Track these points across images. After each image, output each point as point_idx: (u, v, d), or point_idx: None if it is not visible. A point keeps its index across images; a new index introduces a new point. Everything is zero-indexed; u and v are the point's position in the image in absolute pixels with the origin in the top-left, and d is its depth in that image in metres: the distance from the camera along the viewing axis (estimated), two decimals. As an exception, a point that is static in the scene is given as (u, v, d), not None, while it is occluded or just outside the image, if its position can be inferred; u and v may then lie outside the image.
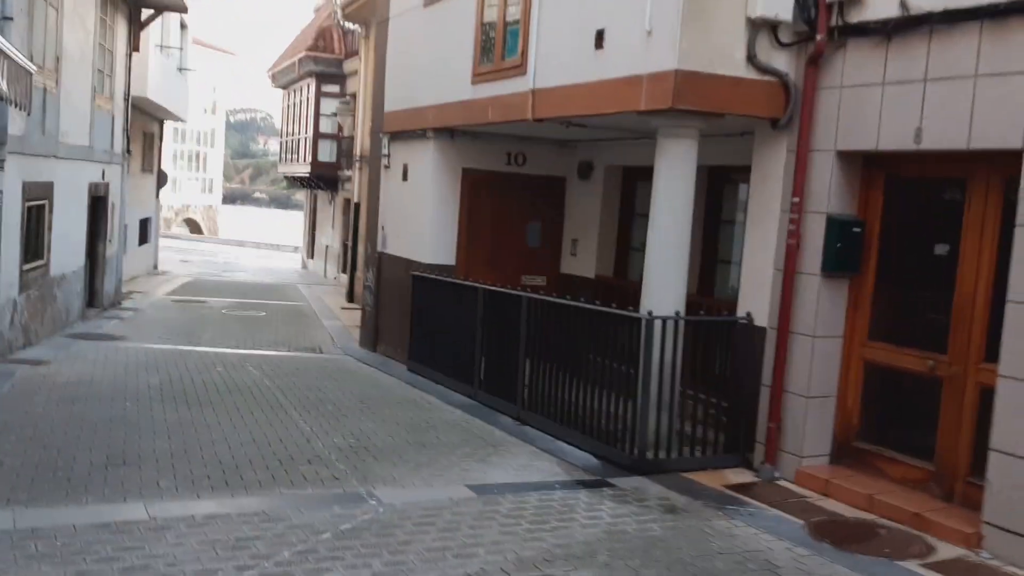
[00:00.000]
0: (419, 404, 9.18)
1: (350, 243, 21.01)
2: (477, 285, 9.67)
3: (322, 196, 30.84)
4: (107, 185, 14.70)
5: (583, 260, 11.27)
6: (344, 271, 27.16)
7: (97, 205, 14.43)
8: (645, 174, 10.65)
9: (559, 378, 8.08)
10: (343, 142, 27.96)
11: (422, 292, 10.99)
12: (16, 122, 9.66)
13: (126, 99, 15.86)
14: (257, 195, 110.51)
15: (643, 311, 7.09)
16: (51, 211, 11.44)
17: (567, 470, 6.89)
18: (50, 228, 11.44)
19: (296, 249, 41.70)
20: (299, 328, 15.28)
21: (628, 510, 5.85)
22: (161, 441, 6.79)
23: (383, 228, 12.88)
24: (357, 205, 20.53)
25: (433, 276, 10.78)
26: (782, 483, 6.69)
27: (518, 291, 8.87)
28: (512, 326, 8.85)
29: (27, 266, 10.54)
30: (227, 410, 8.04)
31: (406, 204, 12.10)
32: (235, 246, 42.24)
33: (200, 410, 7.96)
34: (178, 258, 30.84)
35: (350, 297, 20.53)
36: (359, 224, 20.43)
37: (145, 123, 22.44)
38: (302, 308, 18.65)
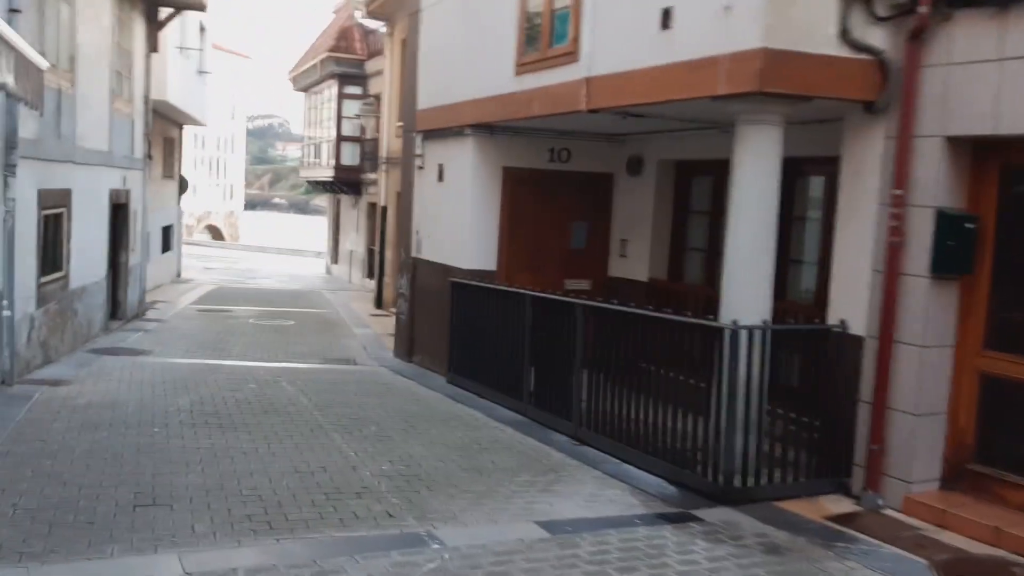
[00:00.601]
0: (465, 421, 8.50)
1: (377, 248, 20.37)
2: (524, 292, 8.98)
3: (346, 200, 30.26)
4: (128, 192, 14.13)
5: (633, 262, 10.54)
6: (370, 276, 26.59)
7: (118, 213, 13.85)
8: (701, 168, 9.94)
9: (621, 393, 7.37)
10: (366, 144, 27.37)
11: (462, 300, 10.31)
12: (28, 124, 9.06)
13: (146, 102, 15.28)
14: (276, 200, 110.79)
15: (724, 319, 6.36)
16: (69, 220, 10.85)
17: (643, 501, 6.17)
18: (69, 238, 10.85)
19: (319, 254, 41.26)
20: (330, 338, 14.64)
21: (725, 551, 5.13)
22: (194, 474, 6.13)
23: (417, 232, 12.21)
24: (384, 209, 19.90)
25: (474, 283, 10.10)
26: (888, 512, 5.94)
27: (571, 298, 8.16)
28: (565, 336, 8.15)
29: (44, 279, 9.94)
30: (264, 434, 7.38)
31: (442, 206, 11.43)
32: (257, 252, 41.79)
33: (235, 434, 7.30)
34: (201, 265, 30.39)
35: (378, 303, 19.91)
36: (386, 228, 19.80)
37: (165, 128, 21.91)
38: (330, 316, 18.03)
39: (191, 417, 7.84)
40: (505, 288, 9.39)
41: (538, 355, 8.65)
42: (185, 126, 25.38)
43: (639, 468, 6.96)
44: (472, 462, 6.96)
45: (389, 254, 19.59)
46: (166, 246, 23.02)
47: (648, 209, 10.32)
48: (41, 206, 9.64)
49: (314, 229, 66.86)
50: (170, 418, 7.75)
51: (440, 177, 11.46)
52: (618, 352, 7.48)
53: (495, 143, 10.52)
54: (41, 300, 9.75)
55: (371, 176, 26.45)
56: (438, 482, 6.34)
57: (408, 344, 12.36)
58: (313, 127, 31.84)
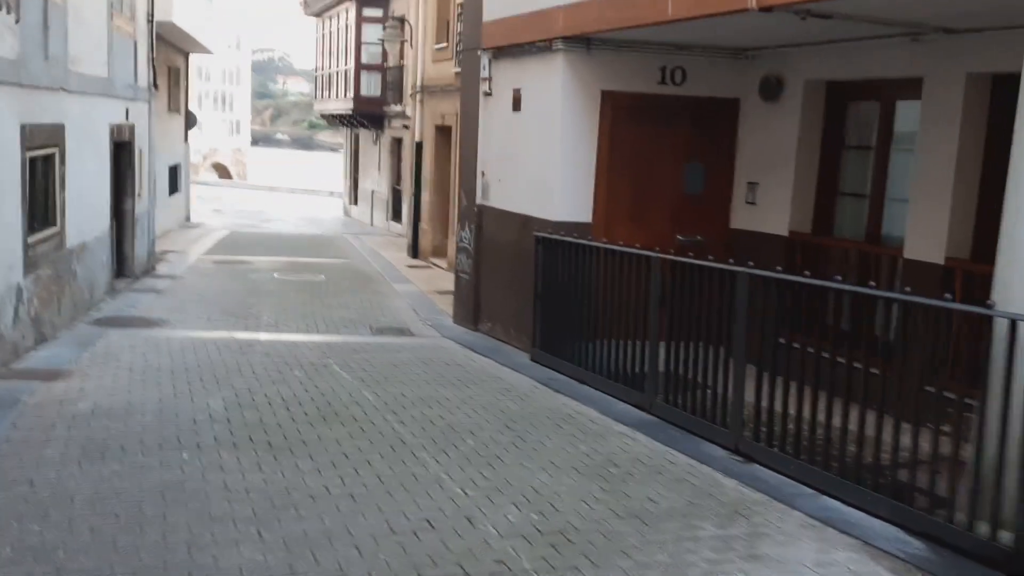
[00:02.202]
0: (581, 425, 6.54)
1: (411, 189, 18.24)
2: (648, 253, 6.94)
3: (365, 136, 27.97)
4: (132, 127, 11.99)
5: (766, 211, 8.45)
6: (395, 219, 24.51)
7: (121, 152, 11.75)
8: (865, 91, 7.79)
9: (811, 395, 5.42)
10: (389, 73, 24.99)
11: (553, 260, 8.28)
12: (5, 40, 6.93)
13: (149, 22, 13.03)
14: (279, 136, 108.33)
15: (1001, 306, 4.37)
16: (63, 162, 8.77)
17: (893, 570, 4.23)
18: (63, 184, 8.79)
19: (332, 194, 39.04)
20: (370, 297, 12.64)
21: None
22: (249, 544, 4.18)
23: (483, 175, 10.10)
24: (419, 145, 17.71)
25: (570, 239, 8.04)
26: None
27: (730, 265, 6.12)
28: (717, 314, 6.15)
29: (34, 237, 7.91)
30: (331, 458, 5.42)
31: (518, 143, 9.30)
32: (267, 192, 39.57)
33: (292, 460, 5.35)
34: (210, 208, 28.28)
35: (414, 252, 17.86)
36: (422, 167, 17.65)
37: (169, 56, 19.61)
38: (362, 268, 16.00)
39: (229, 430, 5.87)
40: (620, 248, 7.33)
41: (672, 337, 6.65)
42: (191, 55, 23.04)
43: (849, 504, 5.04)
44: (624, 501, 5.01)
45: (426, 196, 17.48)
46: (173, 188, 20.91)
47: (789, 143, 8.18)
48: (26, 146, 7.56)
49: (320, 165, 64.49)
50: (202, 432, 5.78)
51: (516, 106, 9.31)
52: (809, 340, 5.49)
53: (592, 61, 8.36)
54: (30, 265, 7.73)
55: (395, 108, 24.16)
56: (596, 545, 4.40)
57: (473, 309, 10.35)
58: (327, 57, 29.38)
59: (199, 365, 7.63)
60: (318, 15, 29.79)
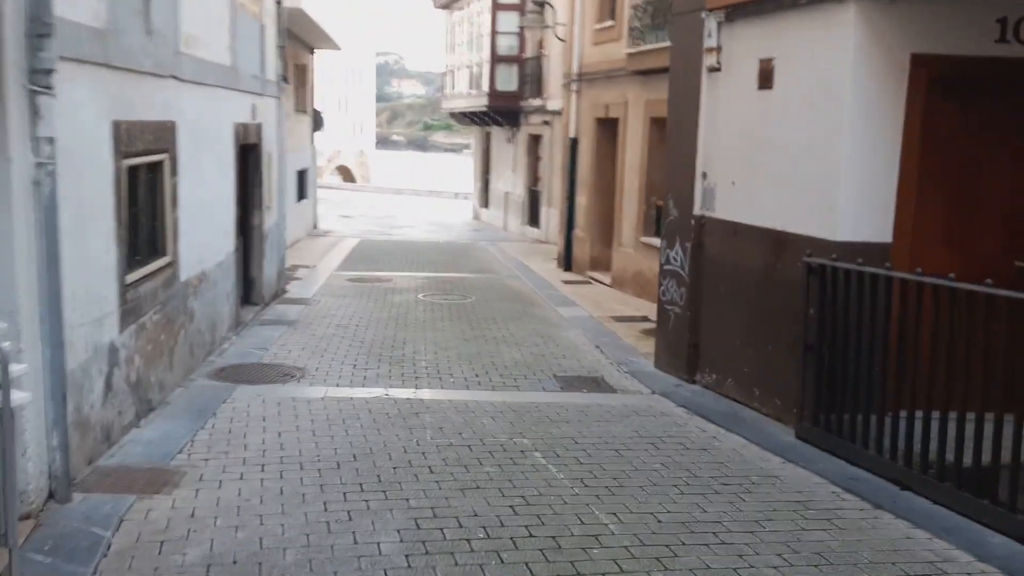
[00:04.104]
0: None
1: (563, 190, 15.89)
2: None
3: (498, 134, 25.84)
4: (259, 127, 10.06)
5: None
6: (532, 224, 22.28)
7: (247, 157, 9.84)
8: None
9: None
10: (527, 65, 22.79)
11: (833, 296, 5.76)
12: (86, 1, 4.92)
13: (278, 2, 11.11)
14: (395, 138, 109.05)
15: None
16: (175, 172, 6.79)
17: None
18: (175, 200, 6.81)
19: (456, 195, 37.20)
20: (535, 326, 10.33)
21: None
22: None
23: (705, 176, 7.63)
24: (573, 141, 15.34)
25: (876, 270, 5.50)
26: None
27: None
28: None
29: (135, 274, 5.91)
30: None
31: (768, 133, 6.80)
32: (392, 195, 38.04)
33: None
34: (336, 213, 26.70)
35: (566, 264, 15.51)
36: (576, 166, 15.29)
37: (295, 52, 17.91)
38: (513, 285, 13.75)
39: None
40: (974, 288, 4.75)
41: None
42: (316, 51, 21.39)
43: None
44: None
45: (582, 200, 15.09)
46: (301, 193, 19.27)
47: None
48: (121, 150, 5.55)
49: (437, 167, 63.17)
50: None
51: (764, 82, 6.80)
52: None
53: (897, 13, 5.78)
54: (130, 313, 5.73)
55: (534, 103, 21.93)
56: None
57: (688, 353, 7.89)
58: (455, 51, 27.44)
59: (354, 455, 5.43)
60: (446, 7, 27.92)
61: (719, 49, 7.37)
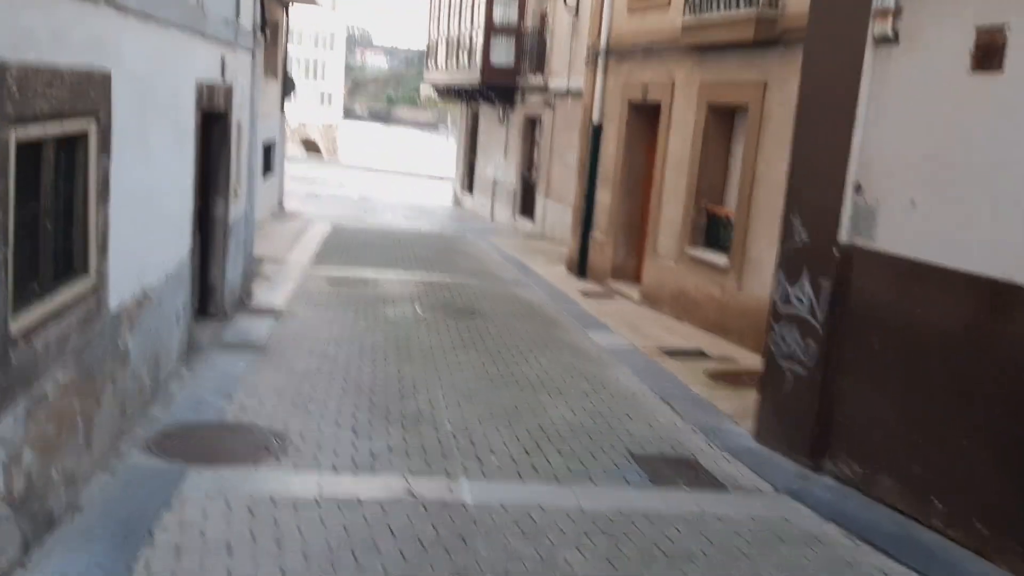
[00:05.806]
0: None
1: (582, 185, 13.67)
2: None
3: (487, 113, 23.52)
4: (229, 91, 7.69)
5: None
6: (524, 214, 20.06)
7: (212, 127, 7.48)
8: None
9: None
10: (525, 39, 20.48)
11: None
12: None
13: (257, -68, 8.71)
14: (358, 111, 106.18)
15: None
16: (106, 148, 4.46)
17: None
18: (104, 193, 4.48)
19: (431, 177, 34.79)
20: (568, 359, 8.16)
21: None
22: None
23: (859, 189, 5.50)
24: (596, 128, 13.12)
25: None
26: None
27: None
28: None
29: (27, 318, 3.60)
30: None
31: (988, 135, 4.68)
32: (363, 172, 35.47)
33: None
34: (303, 191, 24.12)
35: (580, 269, 13.34)
36: (598, 157, 13.09)
37: (267, 4, 15.37)
38: (524, 296, 11.57)
39: None
40: None
41: None
42: (291, 5, 18.85)
43: None
44: None
45: (604, 197, 12.92)
46: (266, 168, 16.78)
47: None
48: (5, 113, 3.23)
49: (407, 143, 60.51)
50: None
51: (983, 61, 4.67)
52: None
53: None
54: (14, 385, 3.42)
55: (532, 80, 19.67)
56: None
57: (814, 430, 5.77)
58: (444, 19, 24.98)
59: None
60: (435, -31, 25.47)
61: (898, 11, 5.22)
